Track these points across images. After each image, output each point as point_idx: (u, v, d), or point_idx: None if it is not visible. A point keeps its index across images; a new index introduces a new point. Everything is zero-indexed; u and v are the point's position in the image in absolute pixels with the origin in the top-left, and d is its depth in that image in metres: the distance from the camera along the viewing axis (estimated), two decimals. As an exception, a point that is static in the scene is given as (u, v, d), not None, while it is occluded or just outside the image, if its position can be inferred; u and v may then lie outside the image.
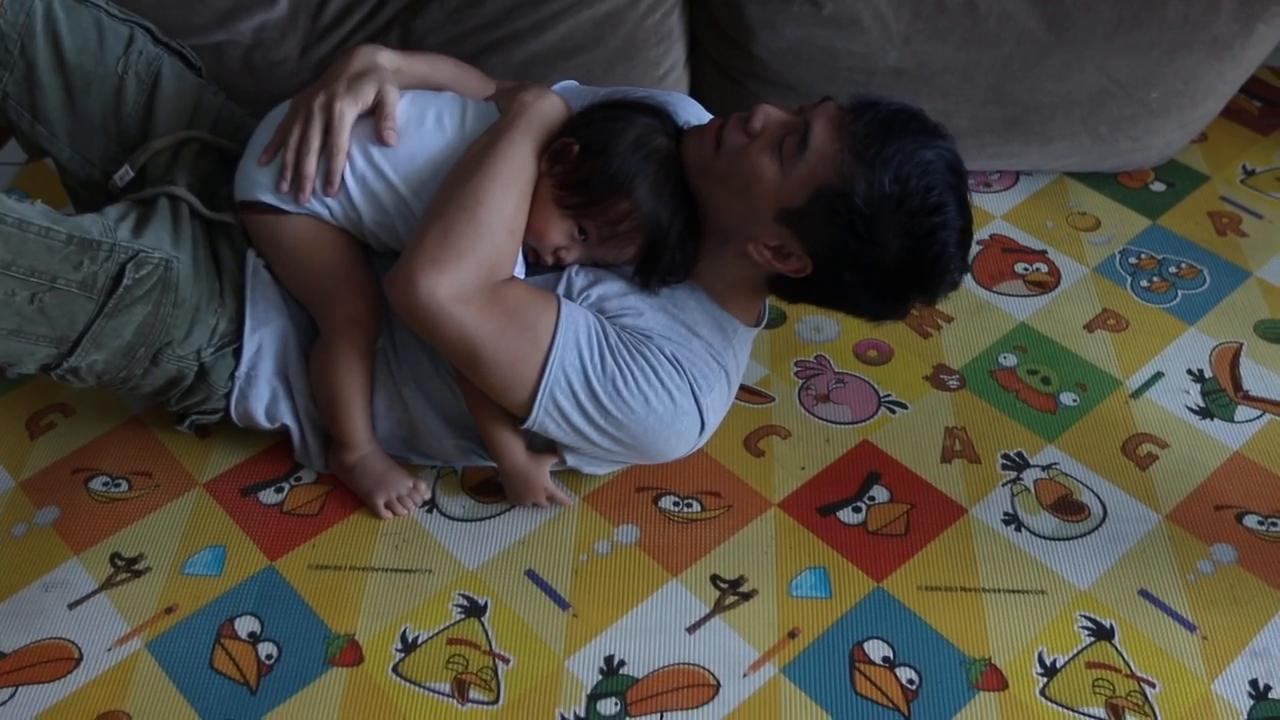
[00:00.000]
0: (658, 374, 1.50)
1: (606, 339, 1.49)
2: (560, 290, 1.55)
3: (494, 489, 1.72)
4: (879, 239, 1.41)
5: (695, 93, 2.22)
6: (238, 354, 1.63)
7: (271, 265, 1.63)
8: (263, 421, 1.67)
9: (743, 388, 1.86)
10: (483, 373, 1.49)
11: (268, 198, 1.56)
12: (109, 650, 1.54)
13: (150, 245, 1.51)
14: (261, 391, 1.65)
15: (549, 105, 1.53)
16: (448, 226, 1.44)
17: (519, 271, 1.52)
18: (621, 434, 1.54)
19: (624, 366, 1.49)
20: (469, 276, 1.43)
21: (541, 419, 1.51)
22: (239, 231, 1.66)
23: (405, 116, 1.56)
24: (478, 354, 1.46)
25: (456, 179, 1.48)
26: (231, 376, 1.64)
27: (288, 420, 1.68)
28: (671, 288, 1.57)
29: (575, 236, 1.52)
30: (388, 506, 1.67)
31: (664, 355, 1.51)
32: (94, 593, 1.60)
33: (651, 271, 1.53)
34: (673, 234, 1.50)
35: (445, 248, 1.43)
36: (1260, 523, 1.70)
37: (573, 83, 1.77)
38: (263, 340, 1.64)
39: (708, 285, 1.58)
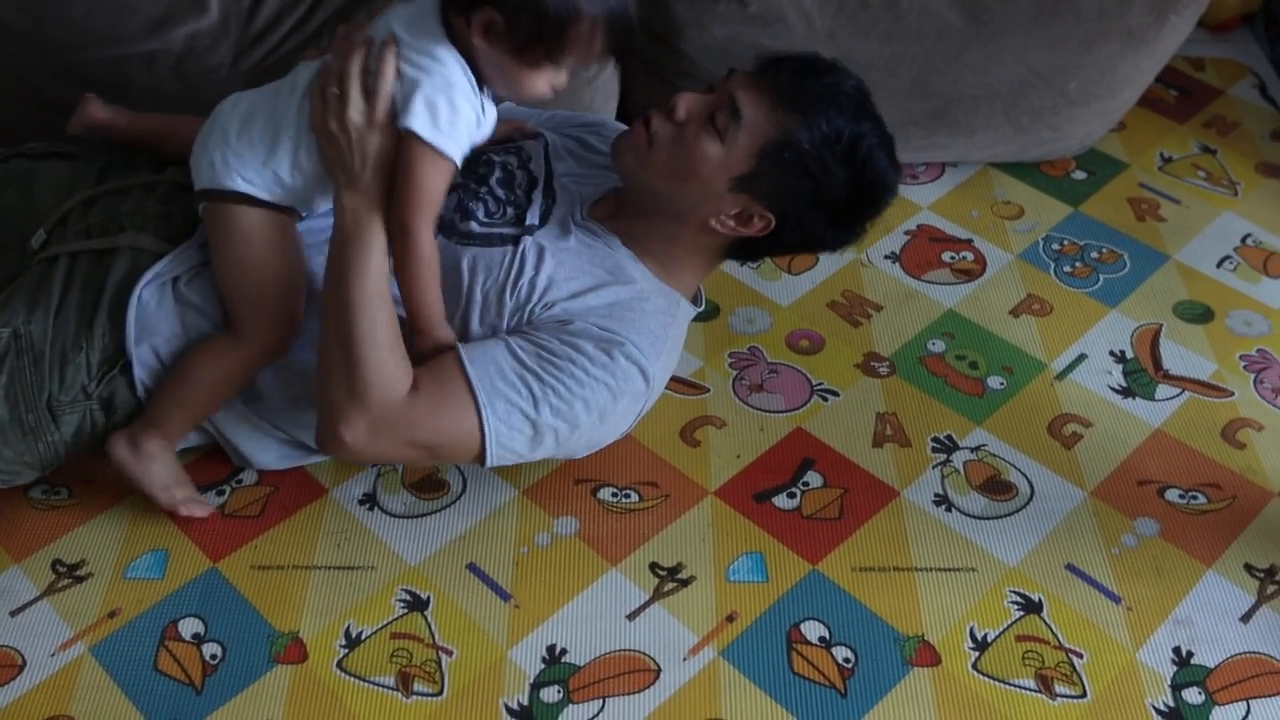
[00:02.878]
0: (588, 372, 1.53)
1: (525, 365, 1.52)
2: (514, 267, 1.57)
3: (435, 485, 1.74)
4: (830, 172, 1.52)
5: (626, 93, 2.25)
6: (127, 368, 1.61)
7: (214, 254, 1.59)
8: (193, 437, 1.69)
9: (678, 379, 1.89)
10: (438, 458, 1.61)
11: (240, 186, 1.53)
12: (52, 655, 1.54)
13: None
14: None
15: (363, 199, 1.50)
16: (339, 374, 1.49)
17: (490, 121, 1.51)
18: (574, 436, 1.58)
19: (552, 384, 1.52)
20: (377, 409, 1.49)
21: (499, 460, 1.55)
22: (127, 252, 1.65)
23: None
24: (426, 453, 1.56)
25: (326, 324, 1.52)
26: (133, 392, 1.63)
27: (208, 428, 1.69)
28: (616, 260, 1.61)
29: (555, 79, 1.48)
30: (179, 504, 1.66)
31: (595, 340, 1.54)
32: (36, 599, 1.60)
33: (627, 58, 1.51)
34: (632, 17, 1.46)
35: (347, 396, 1.49)
36: (1181, 496, 1.75)
37: (509, 104, 1.83)
38: (156, 348, 1.62)
39: (657, 260, 1.64)
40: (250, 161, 1.54)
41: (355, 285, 1.49)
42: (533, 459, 1.61)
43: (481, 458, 1.54)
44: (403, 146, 1.46)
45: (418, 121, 1.44)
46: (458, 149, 1.47)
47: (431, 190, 1.47)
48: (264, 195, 1.55)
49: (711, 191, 1.54)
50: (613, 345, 1.54)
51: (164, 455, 1.64)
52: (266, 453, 1.72)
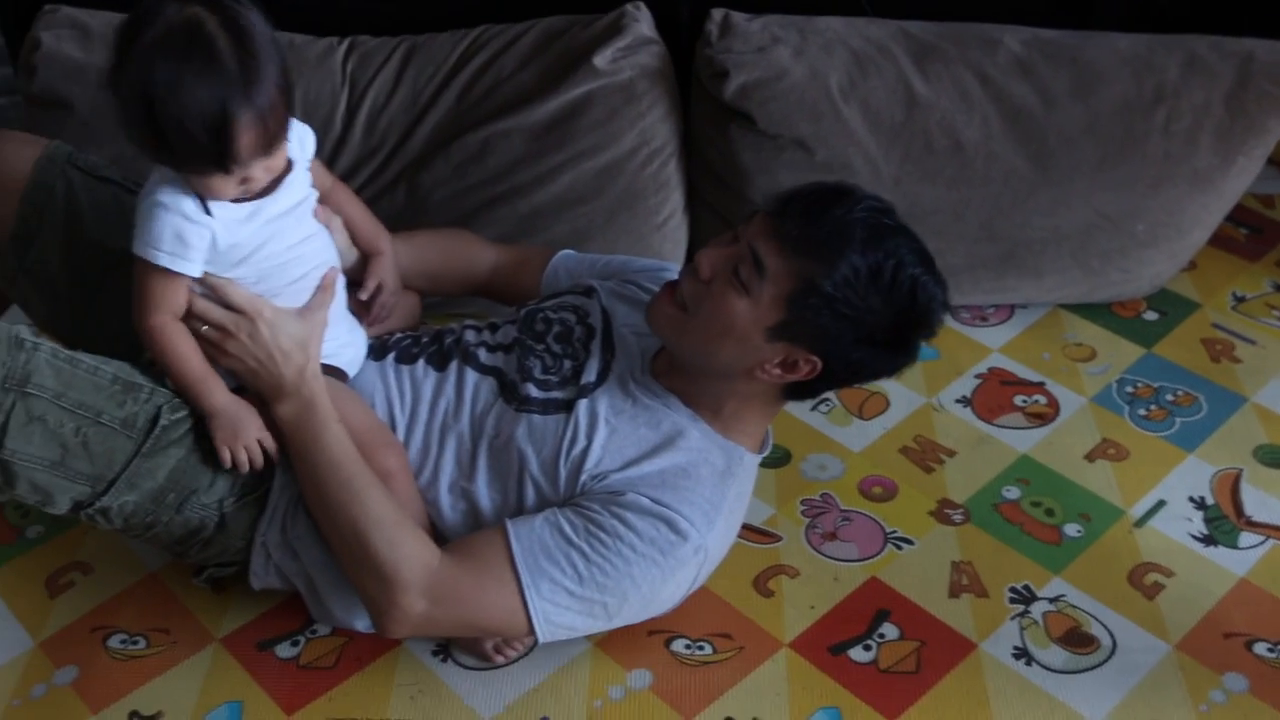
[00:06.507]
0: (635, 549, 1.53)
1: (571, 542, 1.53)
2: (566, 434, 1.59)
3: (507, 636, 1.74)
4: (866, 306, 1.49)
5: (695, 238, 2.29)
6: (258, 504, 1.66)
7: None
8: (277, 583, 1.71)
9: (750, 528, 1.88)
10: (485, 630, 1.62)
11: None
12: (127, 812, 1.54)
13: None
14: (275, 554, 1.67)
15: (295, 399, 1.55)
16: (362, 567, 1.54)
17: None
18: (624, 607, 1.58)
19: (598, 562, 1.53)
20: (417, 582, 1.52)
21: (552, 637, 1.58)
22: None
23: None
24: (472, 627, 1.60)
25: (325, 530, 1.58)
26: (251, 529, 1.66)
27: (298, 584, 1.70)
28: (674, 422, 1.62)
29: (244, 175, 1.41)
30: None
31: (644, 513, 1.54)
32: (112, 753, 1.60)
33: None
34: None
35: (380, 583, 1.53)
36: (1270, 650, 1.71)
37: (571, 252, 1.89)
38: (281, 492, 1.66)
39: (715, 415, 1.64)
40: None
41: (333, 479, 1.55)
42: (589, 633, 1.61)
43: (531, 631, 1.56)
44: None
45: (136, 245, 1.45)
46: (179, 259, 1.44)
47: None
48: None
49: (749, 345, 1.54)
50: (661, 520, 1.55)
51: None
52: (362, 619, 1.69)
